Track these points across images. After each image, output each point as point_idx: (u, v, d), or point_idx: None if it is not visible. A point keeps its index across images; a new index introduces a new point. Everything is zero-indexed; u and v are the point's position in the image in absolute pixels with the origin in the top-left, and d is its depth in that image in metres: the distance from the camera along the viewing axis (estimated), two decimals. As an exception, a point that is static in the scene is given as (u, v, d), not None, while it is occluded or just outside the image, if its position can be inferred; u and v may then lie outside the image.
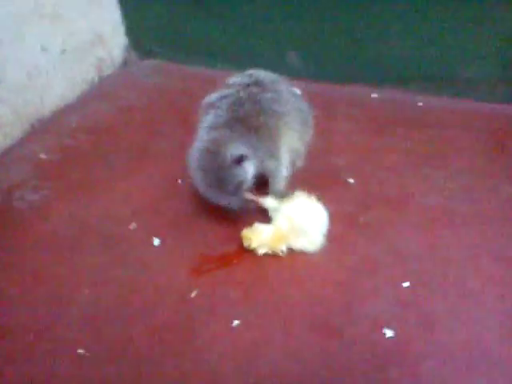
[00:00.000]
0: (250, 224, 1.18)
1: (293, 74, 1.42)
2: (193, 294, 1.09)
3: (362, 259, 1.15)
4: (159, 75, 2.04)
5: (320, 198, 1.20)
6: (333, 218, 1.19)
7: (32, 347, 1.02)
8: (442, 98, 1.67)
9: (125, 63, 2.12)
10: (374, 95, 1.75)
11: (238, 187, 1.13)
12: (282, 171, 1.25)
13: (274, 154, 1.20)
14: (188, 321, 1.04)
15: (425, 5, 1.58)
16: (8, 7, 1.59)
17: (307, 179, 1.28)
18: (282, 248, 1.15)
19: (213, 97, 1.23)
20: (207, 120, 1.19)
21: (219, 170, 1.11)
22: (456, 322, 1.00)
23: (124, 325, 1.04)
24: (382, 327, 0.99)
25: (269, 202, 1.19)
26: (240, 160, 1.12)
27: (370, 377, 0.92)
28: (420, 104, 1.68)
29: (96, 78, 2.00)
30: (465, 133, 1.51)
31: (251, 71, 1.27)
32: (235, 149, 1.12)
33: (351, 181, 1.37)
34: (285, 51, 1.86)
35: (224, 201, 1.15)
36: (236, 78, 1.25)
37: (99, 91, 1.94)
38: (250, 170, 1.15)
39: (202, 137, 1.17)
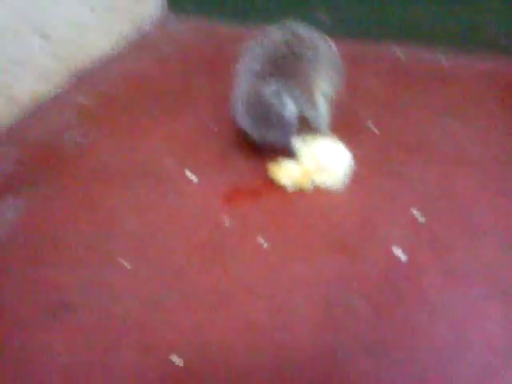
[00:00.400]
0: (277, 159, 1.29)
1: (322, 32, 1.49)
2: (226, 221, 1.21)
3: (379, 195, 1.25)
4: (193, 32, 2.13)
5: (346, 144, 1.30)
6: (356, 162, 1.30)
7: (80, 257, 1.15)
8: (466, 56, 1.72)
9: (161, 21, 2.23)
10: (400, 53, 1.81)
11: (280, 120, 1.23)
12: (322, 112, 1.34)
13: (310, 99, 1.29)
14: (222, 242, 1.16)
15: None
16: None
17: (335, 127, 1.39)
18: (307, 184, 1.26)
19: (253, 43, 1.31)
20: (245, 65, 1.28)
21: (259, 106, 1.21)
22: (458, 244, 1.11)
23: (165, 244, 1.17)
24: (392, 248, 1.10)
25: (297, 142, 1.30)
26: (276, 94, 1.21)
27: (381, 287, 1.03)
28: (443, 62, 1.74)
29: (135, 35, 2.11)
30: (485, 88, 1.57)
31: (288, 23, 1.34)
32: (272, 85, 1.21)
33: (375, 129, 1.46)
34: (314, 9, 1.92)
35: (270, 137, 1.25)
36: (274, 29, 1.32)
37: (138, 46, 2.05)
38: (288, 104, 1.24)
39: (241, 81, 1.27)
